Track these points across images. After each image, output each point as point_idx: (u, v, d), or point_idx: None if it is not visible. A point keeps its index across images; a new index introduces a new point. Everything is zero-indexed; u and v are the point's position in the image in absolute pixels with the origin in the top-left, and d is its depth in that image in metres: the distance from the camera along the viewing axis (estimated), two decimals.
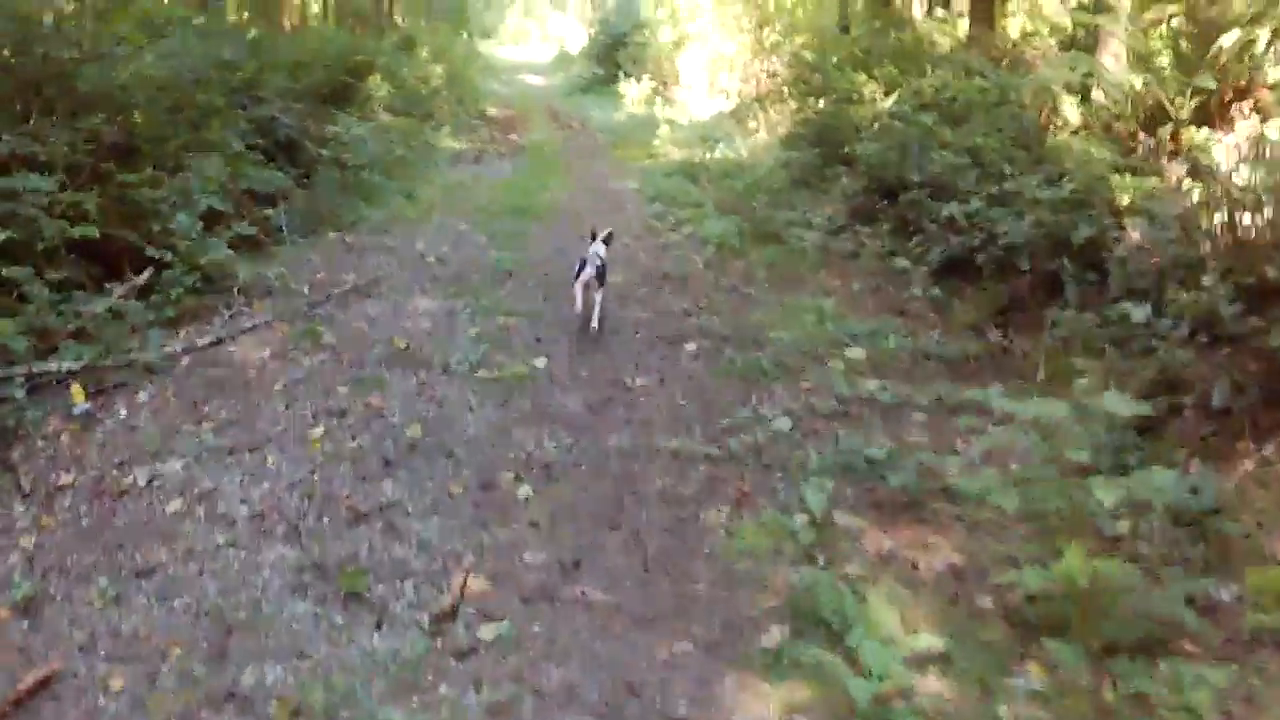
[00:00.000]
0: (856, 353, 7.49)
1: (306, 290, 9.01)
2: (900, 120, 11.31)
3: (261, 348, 7.51)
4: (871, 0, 20.09)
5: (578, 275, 7.89)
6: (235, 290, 8.73)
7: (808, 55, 18.75)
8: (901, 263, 9.69)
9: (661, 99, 24.53)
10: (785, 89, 19.46)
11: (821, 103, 17.29)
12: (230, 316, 8.19)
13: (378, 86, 17.62)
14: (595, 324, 7.86)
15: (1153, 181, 8.04)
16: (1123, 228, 7.76)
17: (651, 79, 25.19)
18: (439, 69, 22.50)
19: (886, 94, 14.77)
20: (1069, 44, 13.07)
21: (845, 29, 20.52)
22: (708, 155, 16.21)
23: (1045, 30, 13.87)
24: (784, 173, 13.71)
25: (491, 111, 25.14)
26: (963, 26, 16.05)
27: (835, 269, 10.12)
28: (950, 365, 7.50)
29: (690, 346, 7.67)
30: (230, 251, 8.87)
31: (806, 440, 6.01)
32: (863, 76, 14.84)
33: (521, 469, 5.60)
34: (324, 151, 13.02)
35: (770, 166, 13.95)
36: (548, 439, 5.98)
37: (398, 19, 23.86)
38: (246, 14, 20.10)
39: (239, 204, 9.89)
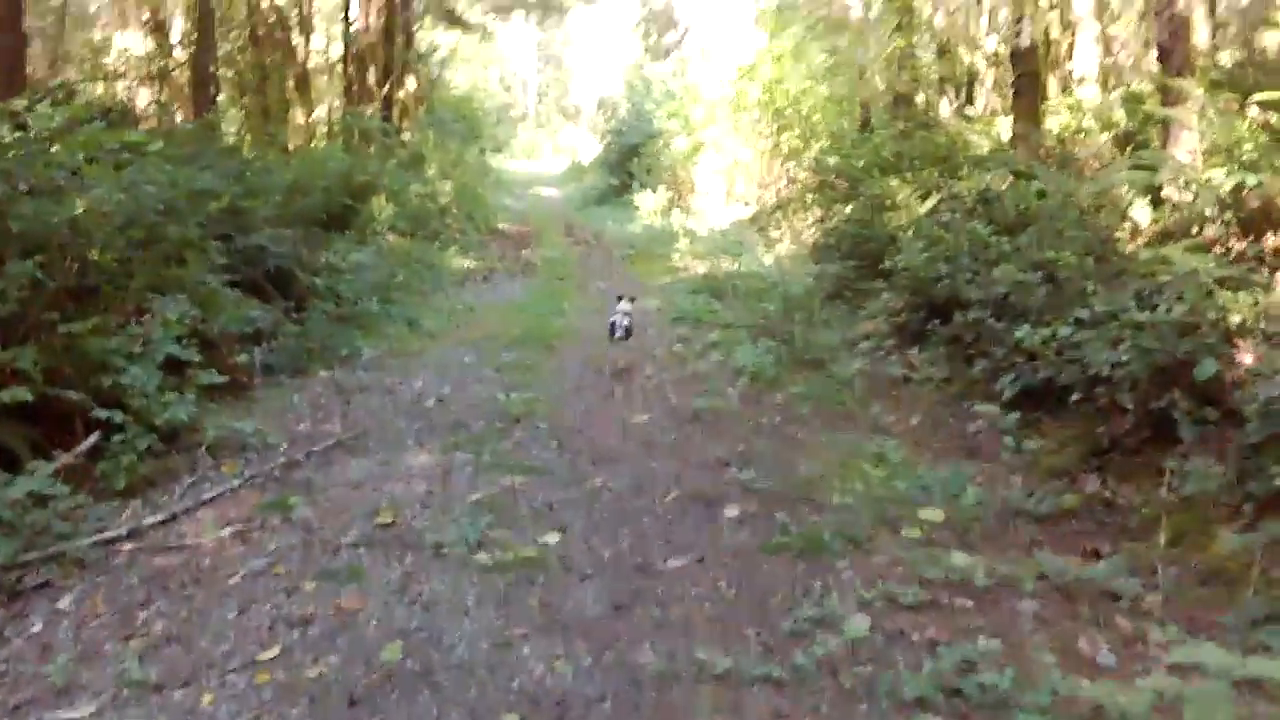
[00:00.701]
0: (932, 513, 6.17)
1: (285, 445, 7.78)
2: (947, 229, 10.10)
3: (222, 524, 6.26)
4: (894, 101, 19.04)
5: (611, 335, 10.36)
6: (202, 449, 7.50)
7: (830, 159, 17.68)
8: (960, 390, 8.46)
9: (678, 208, 23.56)
10: (808, 196, 18.38)
11: (849, 209, 16.23)
12: (192, 484, 6.97)
13: (381, 208, 16.61)
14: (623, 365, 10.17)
15: (1265, 296, 6.75)
16: (1236, 350, 6.48)
17: (667, 188, 24.22)
18: (448, 186, 21.56)
19: (922, 198, 13.64)
20: (1123, 140, 11.91)
21: (868, 130, 19.51)
22: (732, 268, 15.05)
23: (1094, 125, 12.72)
24: (815, 286, 12.50)
25: (503, 227, 24.21)
26: (1000, 125, 14.95)
27: (887, 400, 8.85)
28: (1044, 524, 6.16)
29: (732, 511, 6.34)
30: (198, 405, 7.67)
31: (893, 648, 4.65)
32: (895, 181, 13.69)
33: (526, 709, 4.24)
34: (318, 281, 11.90)
35: (801, 281, 12.72)
36: (560, 658, 4.63)
37: (405, 136, 22.91)
38: (248, 136, 19.24)
39: (212, 348, 8.70)
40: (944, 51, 17.05)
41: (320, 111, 23.70)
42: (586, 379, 9.66)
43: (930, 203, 13.46)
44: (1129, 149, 11.00)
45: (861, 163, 16.05)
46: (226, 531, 6.16)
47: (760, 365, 9.39)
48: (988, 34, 17.20)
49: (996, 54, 16.67)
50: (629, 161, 27.24)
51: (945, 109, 16.95)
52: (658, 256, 17.83)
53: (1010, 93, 14.60)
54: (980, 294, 8.94)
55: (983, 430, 7.87)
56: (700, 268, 16.55)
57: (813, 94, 21.36)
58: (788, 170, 21.88)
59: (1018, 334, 7.70)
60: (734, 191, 23.36)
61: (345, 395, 9.35)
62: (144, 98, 16.17)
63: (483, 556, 5.70)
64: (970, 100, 17.79)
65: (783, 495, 6.56)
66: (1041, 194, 10.09)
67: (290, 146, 20.33)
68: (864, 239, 13.30)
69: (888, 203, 13.66)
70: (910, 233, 11.41)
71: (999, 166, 12.36)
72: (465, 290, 15.44)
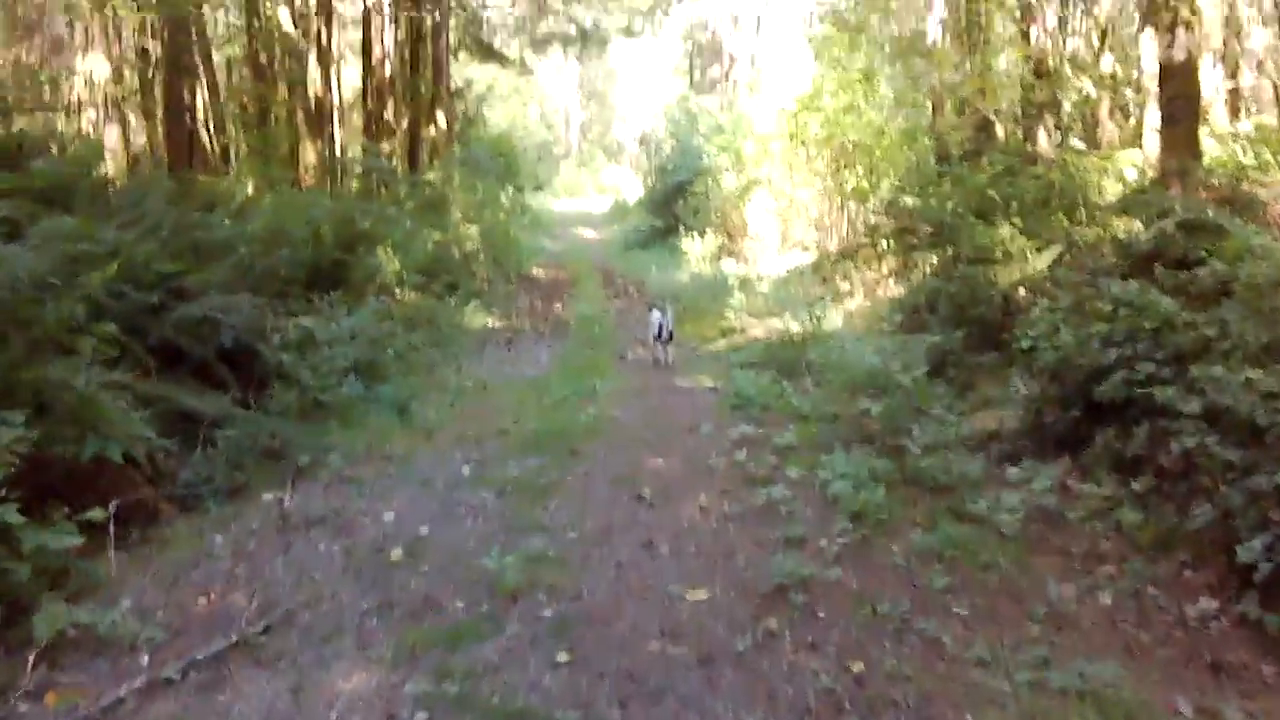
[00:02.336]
0: None
1: (156, 647, 5.00)
2: (1119, 303, 7.19)
3: None
4: (977, 134, 16.10)
5: (657, 337, 11.99)
6: (30, 657, 4.79)
7: (907, 200, 14.75)
8: (1159, 538, 5.62)
9: (728, 254, 20.67)
10: (881, 242, 15.45)
11: (935, 260, 13.31)
12: None
13: (388, 260, 13.86)
14: (667, 361, 11.97)
15: None
16: None
17: (716, 232, 21.35)
18: (473, 230, 18.81)
19: (1037, 250, 10.74)
20: None
21: (946, 167, 16.59)
22: (796, 329, 12.15)
23: (1270, 160, 9.76)
24: (910, 359, 9.56)
25: (537, 273, 21.47)
26: (1120, 160, 12.00)
27: (1053, 558, 5.92)
28: None
29: None
30: (34, 577, 4.99)
31: None
32: (1006, 229, 10.79)
33: None
34: (286, 358, 9.13)
35: (890, 351, 9.79)
36: None
37: (431, 176, 20.22)
38: (245, 178, 16.61)
39: (81, 477, 5.97)
40: (1041, 74, 14.09)
41: (349, 150, 21.10)
42: (618, 513, 6.79)
43: (1049, 255, 10.57)
44: None
45: (950, 204, 13.14)
46: None
47: (864, 496, 6.44)
48: (1100, 53, 14.26)
49: (1113, 76, 13.74)
50: (674, 202, 24.40)
51: (1043, 141, 13.98)
52: (708, 313, 14.97)
53: (1135, 120, 11.72)
54: (1183, 403, 6.00)
55: (1222, 628, 4.97)
56: (758, 329, 13.68)
57: (881, 125, 18.48)
58: (849, 212, 18.98)
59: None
60: (790, 236, 20.46)
61: (287, 535, 6.60)
62: (113, 134, 13.55)
63: None
64: (1065, 131, 14.86)
65: None
66: (1240, 254, 7.15)
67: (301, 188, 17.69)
68: (969, 300, 10.38)
69: (997, 254, 10.76)
70: (1043, 302, 8.48)
71: (1144, 210, 9.43)
72: (482, 359, 12.64)
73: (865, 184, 18.24)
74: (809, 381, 10.13)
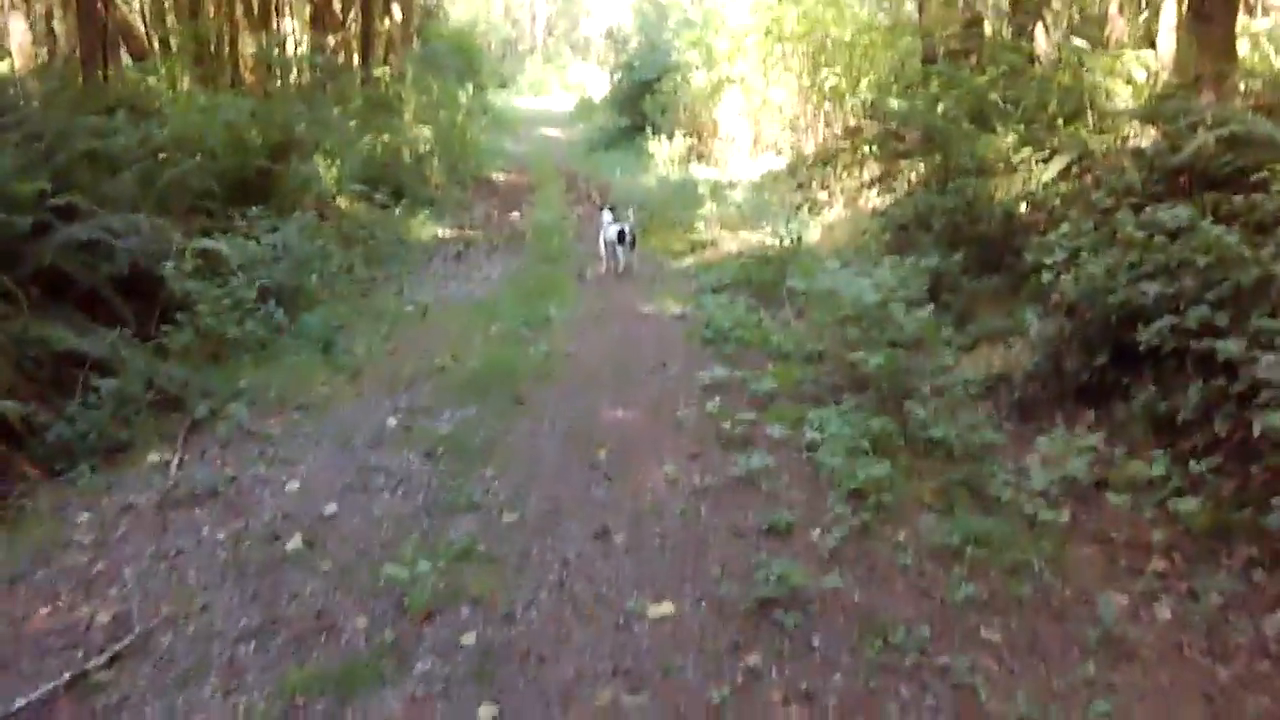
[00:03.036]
0: None
1: None
2: (1157, 229, 5.99)
3: None
4: (964, 31, 14.69)
5: (619, 241, 11.03)
6: None
7: (893, 102, 13.39)
8: (1216, 522, 4.53)
9: (697, 156, 19.26)
10: (864, 148, 14.12)
11: (923, 168, 12.04)
12: None
13: (326, 167, 12.43)
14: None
15: None
16: None
17: (685, 133, 19.88)
18: (426, 131, 17.28)
19: (1043, 160, 9.48)
20: None
21: (929, 66, 15.20)
22: (773, 243, 10.89)
23: None
24: (906, 290, 8.35)
25: (497, 176, 20.01)
26: (1130, 61, 10.67)
27: (1093, 553, 4.77)
28: None
29: None
30: None
31: None
32: (1011, 137, 9.51)
33: None
34: (192, 286, 7.82)
35: (877, 273, 8.56)
36: None
37: (380, 73, 18.58)
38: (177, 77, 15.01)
39: None
40: None
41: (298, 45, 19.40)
42: (568, 486, 5.60)
43: (1056, 166, 9.31)
44: None
45: (940, 107, 11.80)
46: None
47: (863, 472, 5.26)
48: None
49: None
50: (641, 100, 22.84)
51: (1041, 39, 12.60)
52: (677, 224, 13.64)
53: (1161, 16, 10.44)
54: (1257, 365, 4.84)
55: None
56: (732, 243, 12.41)
57: (864, 20, 17.04)
58: (825, 114, 17.58)
59: None
60: (762, 138, 19.03)
61: (165, 513, 5.36)
62: (18, 26, 11.96)
63: None
64: (1068, 28, 13.48)
65: None
66: None
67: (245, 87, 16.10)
68: (966, 216, 9.16)
69: (999, 165, 9.51)
70: (1064, 224, 7.26)
71: (1170, 118, 8.16)
72: (427, 277, 11.33)
73: (844, 83, 16.82)
74: (789, 311, 8.90)
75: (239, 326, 7.80)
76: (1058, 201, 8.73)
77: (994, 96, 10.28)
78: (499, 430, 6.44)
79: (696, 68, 20.95)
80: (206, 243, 8.40)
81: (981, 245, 8.95)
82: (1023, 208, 9.16)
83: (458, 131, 19.88)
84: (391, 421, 6.67)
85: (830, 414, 6.20)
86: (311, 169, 11.84)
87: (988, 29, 15.19)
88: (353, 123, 15.43)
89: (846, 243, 11.87)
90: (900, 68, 16.03)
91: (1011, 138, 9.57)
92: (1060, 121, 9.97)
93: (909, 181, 12.57)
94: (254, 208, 9.85)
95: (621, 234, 10.93)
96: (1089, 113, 10.02)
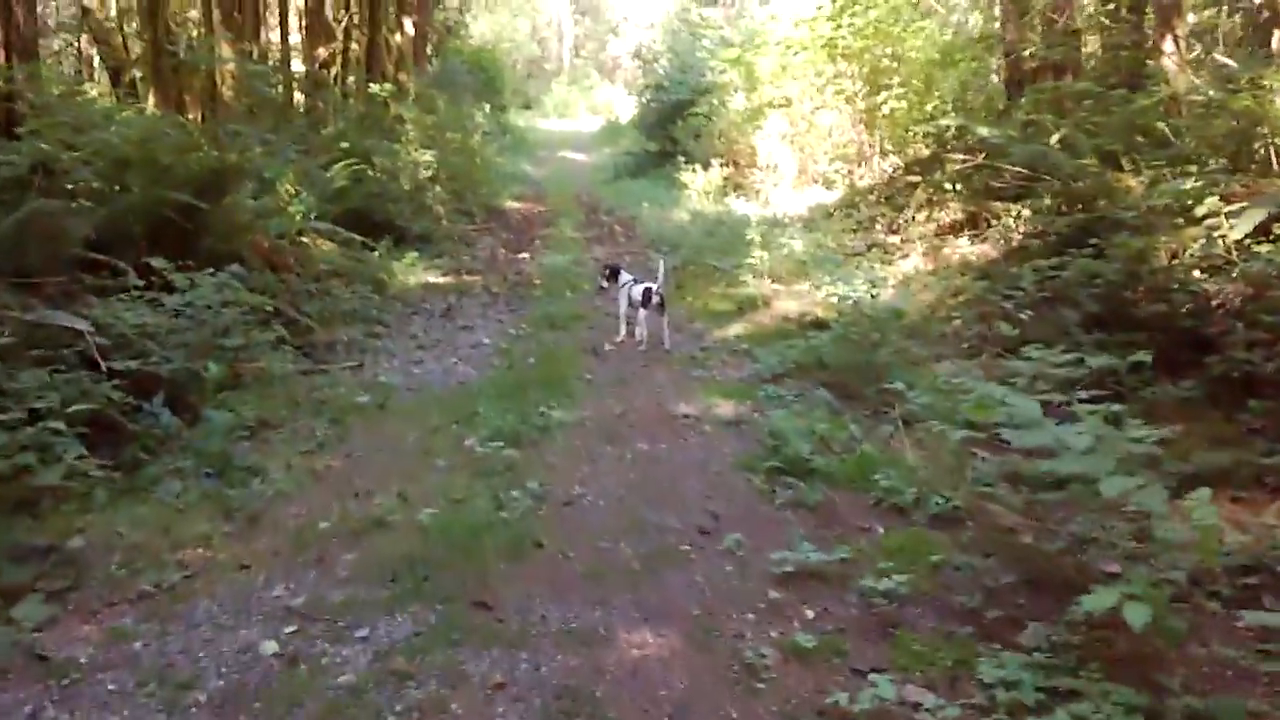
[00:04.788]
0: None
1: None
2: None
3: None
4: (1057, 46, 11.84)
5: (643, 303, 8.19)
6: None
7: (984, 130, 10.49)
8: None
9: (734, 188, 16.41)
10: (949, 185, 11.24)
11: (1026, 211, 9.25)
12: None
13: (290, 201, 9.66)
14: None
15: None
16: None
17: (721, 161, 17.05)
18: (427, 155, 14.47)
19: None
20: None
21: (1016, 89, 12.38)
22: (844, 303, 8.05)
23: None
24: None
25: (511, 205, 17.23)
26: None
27: None
28: None
29: None
30: None
31: None
32: (1190, 181, 6.68)
33: None
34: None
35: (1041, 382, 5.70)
36: None
37: (380, 90, 15.75)
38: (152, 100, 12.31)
39: None
40: None
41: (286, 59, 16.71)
42: None
43: (1249, 221, 6.50)
44: None
45: (1057, 137, 8.96)
46: None
47: None
48: None
49: None
50: (672, 124, 20.07)
51: (1170, 55, 9.70)
52: (718, 274, 10.82)
53: None
54: None
55: None
56: (788, 301, 9.60)
57: (934, 35, 14.23)
58: (883, 141, 14.71)
59: None
60: (808, 168, 16.14)
61: None
62: None
63: None
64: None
65: None
66: None
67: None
68: (1140, 290, 6.32)
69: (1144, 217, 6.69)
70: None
71: None
72: (401, 342, 8.55)
73: (909, 106, 13.97)
74: (888, 421, 6.03)
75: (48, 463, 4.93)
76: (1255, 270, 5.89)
77: (1160, 125, 7.38)
78: (440, 684, 3.58)
79: (736, 89, 18.13)
80: (54, 316, 5.60)
81: (1165, 333, 6.08)
82: (1196, 275, 6.34)
83: (466, 156, 17.06)
84: (268, 648, 3.83)
85: (1014, 664, 3.36)
86: (261, 205, 9.05)
87: (1089, 43, 12.39)
88: (344, 144, 12.70)
89: (934, 304, 9.03)
90: (979, 87, 13.21)
91: (1193, 181, 6.67)
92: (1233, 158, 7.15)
93: (1009, 229, 9.71)
94: (168, 259, 7.08)
95: (648, 295, 8.26)
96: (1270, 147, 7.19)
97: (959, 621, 3.88)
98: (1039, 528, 4.18)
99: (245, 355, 6.88)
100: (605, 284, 8.66)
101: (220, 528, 4.94)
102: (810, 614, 4.00)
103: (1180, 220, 6.67)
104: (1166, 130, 7.40)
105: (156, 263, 7.10)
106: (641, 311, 8.20)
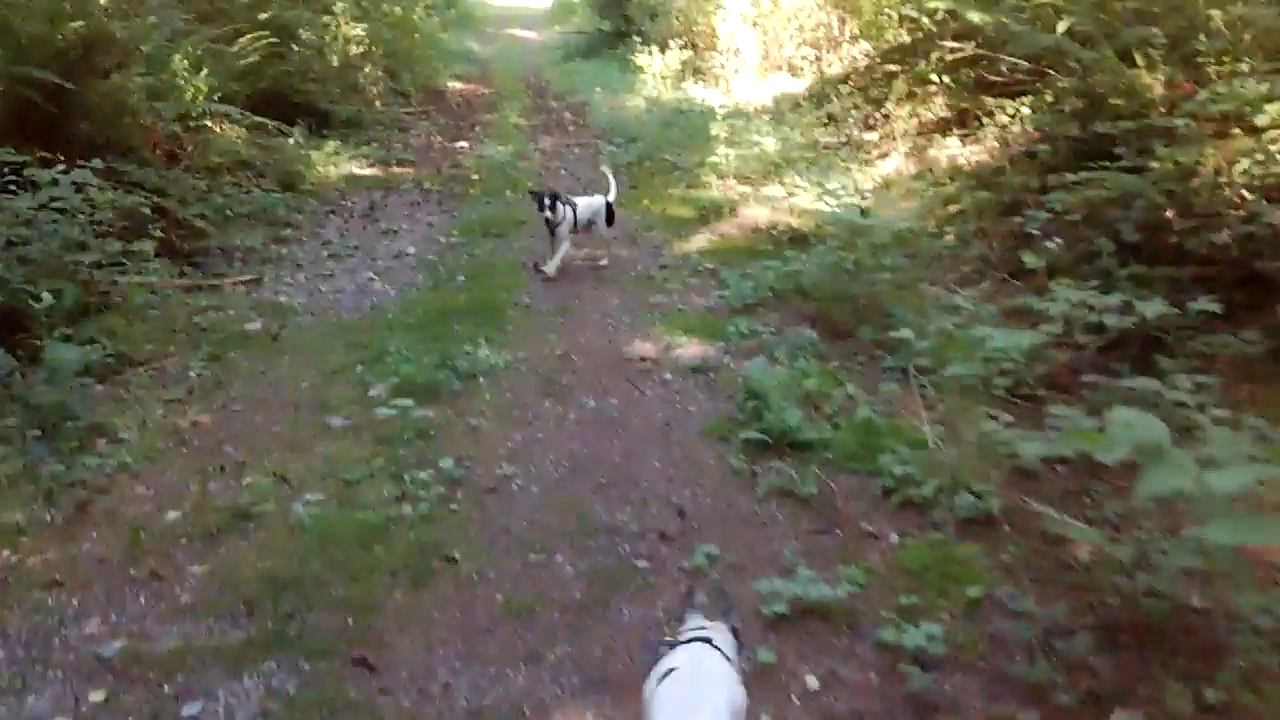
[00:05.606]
0: None
1: None
2: None
3: None
4: None
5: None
6: None
7: (976, 16, 9.12)
8: None
9: (693, 73, 14.92)
10: (937, 75, 9.90)
11: (1026, 110, 8.06)
12: None
13: (188, 79, 8.15)
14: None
15: None
16: None
17: (680, 44, 15.50)
18: (359, 30, 12.82)
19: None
20: None
21: None
22: (822, 210, 6.86)
23: None
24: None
25: (453, 86, 15.63)
26: None
27: None
28: None
29: None
30: None
31: None
32: (1253, 84, 5.46)
33: None
34: None
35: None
36: None
37: None
38: None
39: None
40: None
41: None
42: None
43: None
44: None
45: (1063, 26, 7.64)
46: None
47: None
48: None
49: None
50: (626, 1, 18.38)
51: None
52: (678, 170, 9.51)
53: None
54: None
55: None
56: (758, 207, 8.34)
57: None
58: (850, 26, 13.25)
59: None
60: (772, 53, 14.64)
61: None
62: None
63: None
64: None
65: None
66: None
67: None
68: (1190, 216, 5.16)
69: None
70: None
71: None
72: (310, 250, 7.22)
73: None
74: (888, 373, 4.88)
75: None
76: None
77: (1213, 14, 6.11)
78: None
79: None
80: None
81: (1219, 269, 4.94)
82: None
83: (407, 29, 15.37)
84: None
85: None
86: (151, 85, 7.56)
87: None
88: (263, 15, 11.04)
89: (921, 214, 7.83)
90: None
91: (1252, 84, 5.46)
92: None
93: (1006, 130, 8.48)
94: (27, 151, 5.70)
95: (611, 211, 6.96)
96: None
97: (1019, 699, 2.77)
98: (1107, 550, 3.08)
99: (110, 271, 5.54)
100: (550, 214, 6.59)
101: (37, 517, 3.72)
102: (813, 682, 2.87)
103: (1234, 131, 5.46)
104: (1219, 22, 6.13)
105: (3, 155, 5.71)
106: (605, 229, 6.88)
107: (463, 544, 3.54)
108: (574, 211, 6.71)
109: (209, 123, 8.55)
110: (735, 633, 2.43)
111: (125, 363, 5.01)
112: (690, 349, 5.42)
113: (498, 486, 3.96)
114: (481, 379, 4.97)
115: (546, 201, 6.52)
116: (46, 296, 4.69)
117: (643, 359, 5.32)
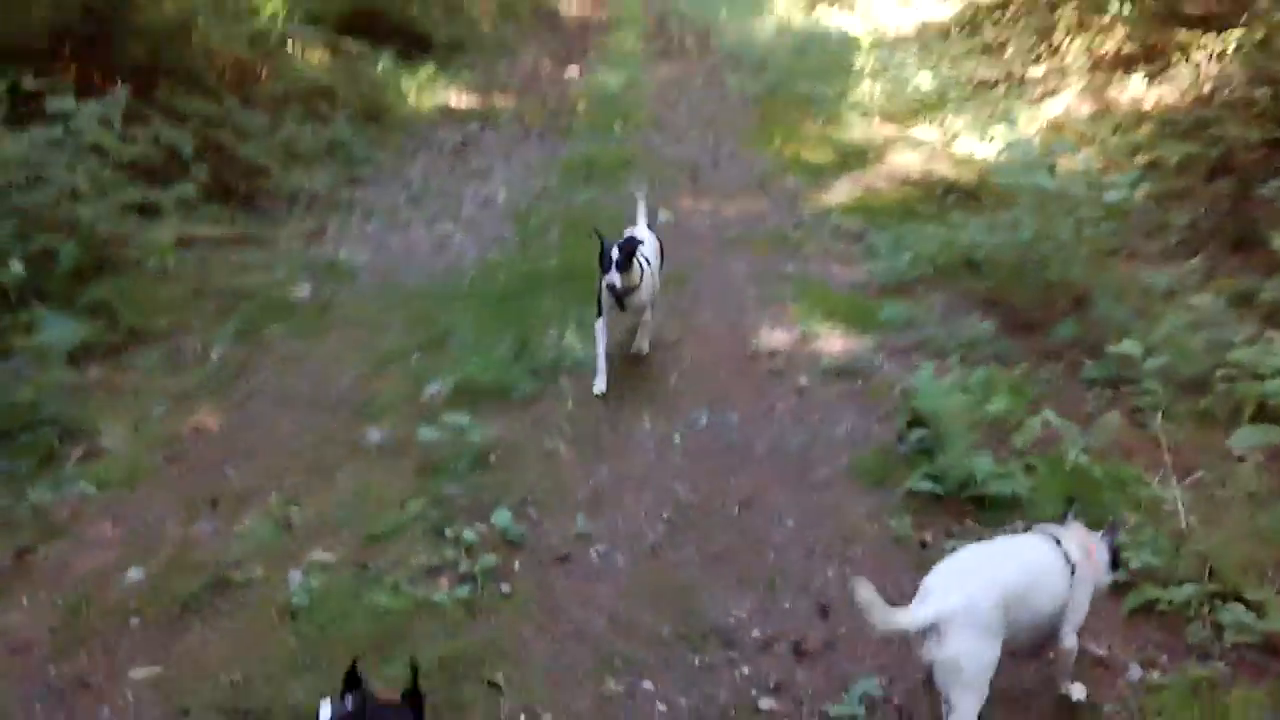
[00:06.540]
0: None
1: None
2: None
3: None
4: None
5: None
6: None
7: None
8: None
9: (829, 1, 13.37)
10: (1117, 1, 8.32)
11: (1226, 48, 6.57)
12: None
13: None
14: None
15: None
16: None
17: None
18: None
19: None
20: None
21: None
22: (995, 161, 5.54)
23: None
24: None
25: (566, 6, 14.33)
26: None
27: None
28: None
29: None
30: None
31: None
32: None
33: None
34: None
35: None
36: None
37: None
38: None
39: None
40: None
41: None
42: None
43: None
44: None
45: None
46: None
47: None
48: None
49: None
50: None
51: None
52: (814, 105, 8.17)
53: None
54: None
55: None
56: (910, 153, 6.96)
57: None
58: None
59: None
60: None
61: None
62: None
63: None
64: None
65: None
66: None
67: None
68: None
69: None
70: None
71: None
72: (387, 195, 6.14)
73: None
74: (1093, 387, 3.62)
75: None
76: None
77: None
78: None
79: None
80: None
81: None
82: None
83: None
84: None
85: None
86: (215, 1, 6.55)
87: None
88: None
89: (1103, 168, 6.38)
90: None
91: None
92: None
93: (1198, 66, 7.00)
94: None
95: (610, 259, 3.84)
96: None
97: None
98: None
99: (130, 222, 4.54)
100: (619, 278, 3.78)
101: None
102: None
103: None
104: None
105: (30, 82, 4.73)
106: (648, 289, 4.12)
107: (511, 658, 2.45)
108: (655, 266, 4.16)
109: (288, 46, 7.53)
110: None
111: (132, 339, 4.01)
112: (832, 342, 4.20)
113: (570, 555, 2.85)
114: (564, 379, 3.84)
115: (616, 257, 3.81)
116: (15, 266, 3.68)
117: (772, 354, 4.12)
